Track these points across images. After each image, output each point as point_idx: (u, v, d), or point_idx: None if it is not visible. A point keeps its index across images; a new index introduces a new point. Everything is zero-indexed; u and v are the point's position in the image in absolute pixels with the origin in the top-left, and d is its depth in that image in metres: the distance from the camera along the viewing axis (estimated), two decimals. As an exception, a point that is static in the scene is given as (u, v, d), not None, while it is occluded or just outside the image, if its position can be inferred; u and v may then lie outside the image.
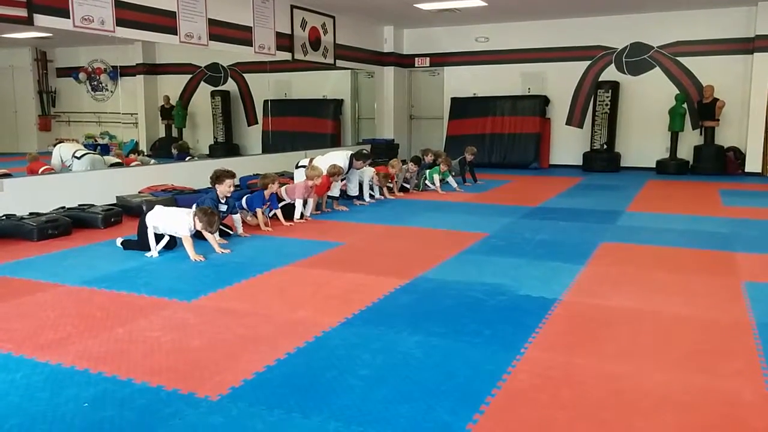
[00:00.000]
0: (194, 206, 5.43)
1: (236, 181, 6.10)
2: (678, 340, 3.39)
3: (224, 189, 5.86)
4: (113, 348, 3.24)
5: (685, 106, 11.90)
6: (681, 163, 11.98)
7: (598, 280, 4.56)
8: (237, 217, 6.17)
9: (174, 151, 10.63)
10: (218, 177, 5.87)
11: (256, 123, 12.58)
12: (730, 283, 4.46)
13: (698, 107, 11.94)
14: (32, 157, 8.55)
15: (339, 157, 7.90)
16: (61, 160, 8.45)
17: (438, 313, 3.83)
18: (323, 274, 4.77)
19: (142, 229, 5.38)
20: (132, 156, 9.64)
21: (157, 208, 5.47)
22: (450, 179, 9.69)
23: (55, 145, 9.20)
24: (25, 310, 3.89)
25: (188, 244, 5.21)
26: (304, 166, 7.30)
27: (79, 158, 8.40)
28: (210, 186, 6.08)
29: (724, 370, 2.98)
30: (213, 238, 5.43)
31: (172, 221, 5.29)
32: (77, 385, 2.79)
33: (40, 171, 7.85)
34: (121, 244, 5.58)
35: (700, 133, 12.05)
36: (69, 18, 6.97)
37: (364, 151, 8.35)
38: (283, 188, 7.00)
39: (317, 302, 4.04)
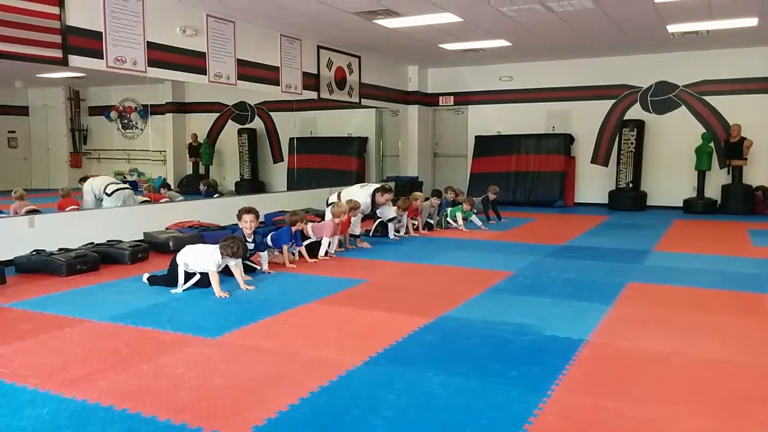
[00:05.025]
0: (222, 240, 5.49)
1: (257, 218, 6.17)
2: (709, 384, 3.31)
3: (243, 225, 5.97)
4: (138, 384, 3.25)
5: (712, 145, 11.80)
6: (708, 202, 11.83)
7: (626, 321, 4.49)
8: (264, 254, 6.21)
9: (202, 188, 10.78)
10: (238, 214, 6.13)
11: (282, 160, 12.76)
12: (762, 326, 4.36)
13: (725, 146, 11.84)
14: (65, 192, 8.70)
15: (360, 193, 7.96)
16: (94, 195, 8.56)
17: (463, 352, 3.79)
18: (347, 311, 4.76)
19: (173, 267, 5.44)
20: (162, 192, 9.77)
21: (187, 246, 5.54)
22: (474, 218, 9.65)
23: (83, 180, 9.32)
24: (52, 346, 3.93)
25: (214, 280, 5.24)
26: (334, 203, 7.35)
27: (109, 195, 8.48)
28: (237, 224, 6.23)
29: (758, 416, 2.89)
30: (239, 273, 5.47)
31: (200, 257, 5.34)
32: (102, 422, 2.80)
33: (67, 209, 7.95)
34: (147, 279, 5.64)
35: (728, 173, 11.93)
36: (102, 59, 7.17)
37: (387, 185, 8.37)
38: (309, 225, 7.03)
39: (341, 340, 4.03)
